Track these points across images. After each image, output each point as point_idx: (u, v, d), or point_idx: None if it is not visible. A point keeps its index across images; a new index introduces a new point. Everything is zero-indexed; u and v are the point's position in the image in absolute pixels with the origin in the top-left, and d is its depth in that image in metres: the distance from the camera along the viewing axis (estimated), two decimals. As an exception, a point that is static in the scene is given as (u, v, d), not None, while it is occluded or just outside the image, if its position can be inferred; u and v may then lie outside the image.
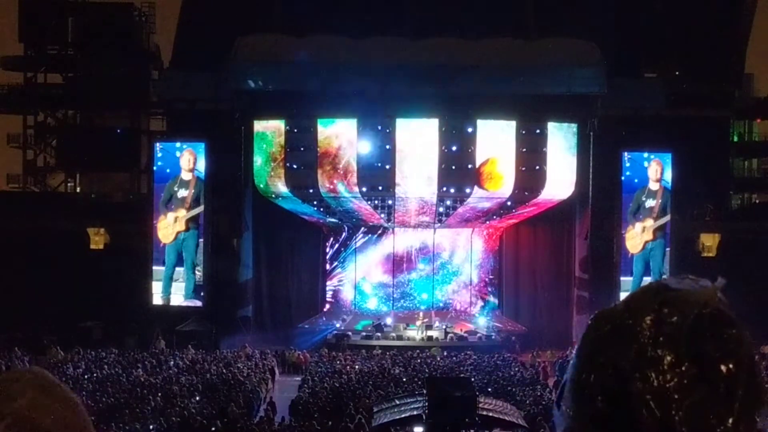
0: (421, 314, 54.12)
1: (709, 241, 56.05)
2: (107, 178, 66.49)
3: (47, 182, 66.97)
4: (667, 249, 53.27)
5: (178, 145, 53.70)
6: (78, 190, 66.67)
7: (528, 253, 57.78)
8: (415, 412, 28.17)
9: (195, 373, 40.42)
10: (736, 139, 63.91)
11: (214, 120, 52.81)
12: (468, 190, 53.56)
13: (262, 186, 54.63)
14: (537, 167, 53.58)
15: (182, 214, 53.03)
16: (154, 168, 54.39)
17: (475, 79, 52.12)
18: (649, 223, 53.21)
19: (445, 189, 53.57)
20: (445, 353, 48.23)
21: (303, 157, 53.51)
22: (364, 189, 53.50)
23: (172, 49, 61.12)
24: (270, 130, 54.28)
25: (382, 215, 55.34)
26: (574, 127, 54.12)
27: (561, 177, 53.75)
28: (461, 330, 53.68)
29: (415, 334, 52.57)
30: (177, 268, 53.03)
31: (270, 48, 53.31)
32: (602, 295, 47.82)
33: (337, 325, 54.08)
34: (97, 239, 55.81)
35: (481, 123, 53.14)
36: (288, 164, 53.71)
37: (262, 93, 53.51)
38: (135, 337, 50.71)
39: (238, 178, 53.97)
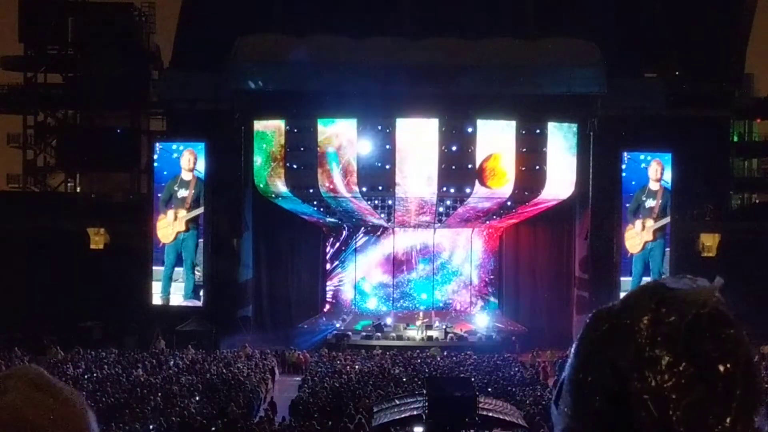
0: (421, 314, 54.12)
1: (709, 241, 56.05)
2: (107, 178, 66.50)
3: (47, 182, 66.97)
4: (667, 249, 53.27)
5: (174, 147, 53.66)
6: (78, 190, 66.68)
7: (528, 253, 57.79)
8: (415, 412, 28.17)
9: (195, 373, 40.42)
10: (736, 139, 63.92)
11: (214, 120, 52.81)
12: (468, 190, 53.54)
13: (262, 186, 54.62)
14: (537, 167, 53.58)
15: (182, 214, 53.03)
16: (154, 168, 54.39)
17: (475, 79, 52.11)
18: (649, 223, 53.21)
19: (445, 189, 53.57)
20: (445, 353, 48.22)
21: (303, 157, 53.51)
22: (364, 189, 53.50)
23: (172, 49, 61.12)
24: (270, 129, 54.27)
25: (382, 215, 55.33)
26: (574, 127, 54.12)
27: (561, 177, 53.74)
28: (461, 330, 53.68)
29: (415, 334, 52.56)
30: (176, 268, 53.02)
31: (270, 48, 53.30)
32: (602, 295, 47.80)
33: (337, 325, 54.08)
34: (97, 239, 55.80)
35: (481, 123, 53.13)
36: (288, 164, 53.71)
37: (262, 93, 53.49)
38: (135, 337, 50.71)
39: (238, 178, 53.95)
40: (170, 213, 52.95)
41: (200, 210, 53.21)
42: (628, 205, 53.37)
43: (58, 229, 54.25)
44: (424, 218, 55.57)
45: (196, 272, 53.14)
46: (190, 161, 53.07)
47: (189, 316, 52.08)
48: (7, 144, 66.66)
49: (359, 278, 57.47)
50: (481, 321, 55.32)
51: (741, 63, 63.13)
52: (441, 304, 56.92)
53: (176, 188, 53.05)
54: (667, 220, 53.38)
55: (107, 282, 51.62)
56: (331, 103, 52.31)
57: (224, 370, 41.04)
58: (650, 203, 53.37)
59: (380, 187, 53.75)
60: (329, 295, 57.73)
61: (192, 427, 29.93)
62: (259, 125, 54.23)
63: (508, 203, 54.56)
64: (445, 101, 52.19)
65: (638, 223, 53.30)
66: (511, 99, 52.01)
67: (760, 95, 65.71)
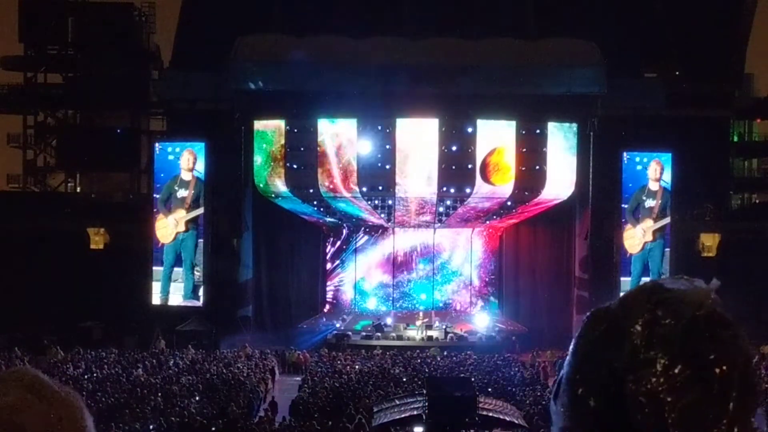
0: (421, 314, 54.11)
1: (709, 241, 56.05)
2: (107, 178, 66.51)
3: (47, 182, 66.97)
4: (667, 249, 53.26)
5: (172, 149, 53.63)
6: (78, 190, 66.69)
7: (528, 253, 57.78)
8: (415, 412, 28.16)
9: (195, 373, 40.41)
10: (736, 139, 63.94)
11: (214, 120, 52.80)
12: (468, 190, 53.55)
13: (262, 186, 54.62)
14: (537, 167, 53.59)
15: (182, 214, 53.02)
16: (154, 168, 54.39)
17: (475, 79, 52.09)
18: (649, 224, 53.19)
19: (445, 189, 53.58)
20: (445, 353, 48.22)
21: (303, 157, 53.52)
22: (364, 189, 53.51)
23: (172, 49, 61.11)
24: (270, 129, 54.28)
25: (382, 215, 55.34)
26: (574, 127, 54.12)
27: (561, 177, 53.75)
28: (461, 330, 53.67)
29: (415, 334, 52.55)
30: (176, 269, 53.02)
31: (270, 48, 53.30)
32: (602, 295, 47.76)
33: (337, 325, 54.07)
34: (97, 239, 55.80)
35: (481, 123, 53.14)
36: (288, 164, 53.72)
37: (262, 93, 53.48)
38: (135, 337, 50.71)
39: (238, 178, 53.94)
40: (171, 215, 52.93)
41: (200, 210, 53.20)
42: (625, 206, 53.33)
43: (58, 229, 54.25)
44: (424, 218, 55.57)
45: (195, 272, 53.14)
46: (190, 161, 53.06)
47: (189, 316, 52.08)
48: (7, 144, 66.68)
49: (359, 278, 57.47)
50: (481, 321, 55.30)
51: (741, 63, 63.13)
52: (441, 304, 56.91)
53: (176, 188, 53.04)
54: (667, 220, 53.37)
55: (107, 282, 51.63)
56: (331, 103, 52.31)
57: (224, 370, 41.03)
58: (650, 203, 53.36)
59: (380, 187, 53.76)
60: (329, 295, 57.72)
61: (192, 427, 29.93)
62: (259, 125, 54.23)
63: (508, 203, 54.56)
64: (445, 101, 52.19)
65: (639, 224, 53.27)
66: (511, 99, 52.00)
67: (760, 95, 65.75)
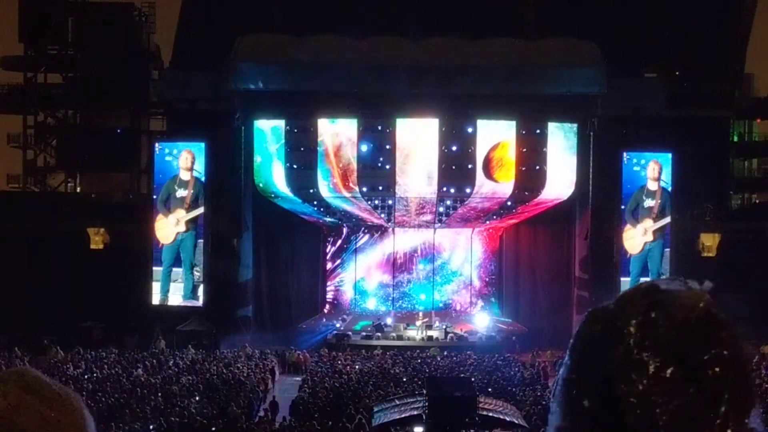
0: (421, 314, 54.11)
1: (709, 241, 56.04)
2: (107, 178, 66.48)
3: (47, 182, 66.96)
4: (666, 249, 53.24)
5: (170, 149, 53.63)
6: (78, 190, 66.68)
7: (528, 253, 57.79)
8: (415, 412, 28.17)
9: (195, 373, 40.41)
10: (736, 139, 63.95)
11: (214, 120, 52.80)
12: (468, 190, 53.58)
13: (262, 186, 54.64)
14: (537, 167, 53.61)
15: (182, 214, 53.02)
16: (154, 168, 54.39)
17: (475, 79, 52.11)
18: (649, 224, 53.17)
19: (445, 189, 53.59)
20: (445, 353, 48.22)
21: (303, 157, 53.53)
22: (364, 189, 53.52)
23: (172, 49, 61.13)
24: (270, 129, 54.28)
25: (382, 215, 55.35)
26: (574, 127, 54.14)
27: (561, 177, 53.76)
28: (461, 330, 53.67)
29: (415, 334, 52.54)
30: (175, 269, 53.02)
31: (270, 48, 53.31)
32: (602, 295, 47.51)
33: (337, 325, 54.06)
34: (97, 239, 55.80)
35: (481, 123, 53.17)
36: (288, 164, 53.73)
37: (262, 93, 53.48)
38: (135, 337, 50.69)
39: (238, 178, 53.95)
40: (171, 215, 52.93)
41: (200, 210, 53.19)
42: (624, 206, 53.29)
43: (58, 229, 54.24)
44: (425, 218, 55.57)
45: (195, 272, 53.15)
46: (188, 160, 53.06)
47: (189, 316, 52.07)
48: (7, 144, 66.67)
49: (359, 278, 57.47)
50: (481, 321, 55.29)
51: (741, 63, 63.14)
52: (441, 305, 56.91)
53: (175, 188, 53.03)
54: (666, 220, 53.34)
55: (107, 282, 51.63)
56: (331, 103, 52.32)
57: (224, 370, 41.04)
58: (649, 203, 53.34)
59: (380, 187, 53.78)
60: (329, 295, 57.73)
61: (192, 427, 29.94)
62: (259, 125, 54.24)
63: (509, 203, 54.57)
64: (445, 101, 52.20)
65: (639, 224, 53.24)
66: (511, 99, 52.00)
67: (760, 95, 65.73)
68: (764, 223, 56.48)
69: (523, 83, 52.36)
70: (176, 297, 53.13)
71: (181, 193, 53.08)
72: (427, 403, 27.78)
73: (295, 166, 53.70)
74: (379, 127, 53.35)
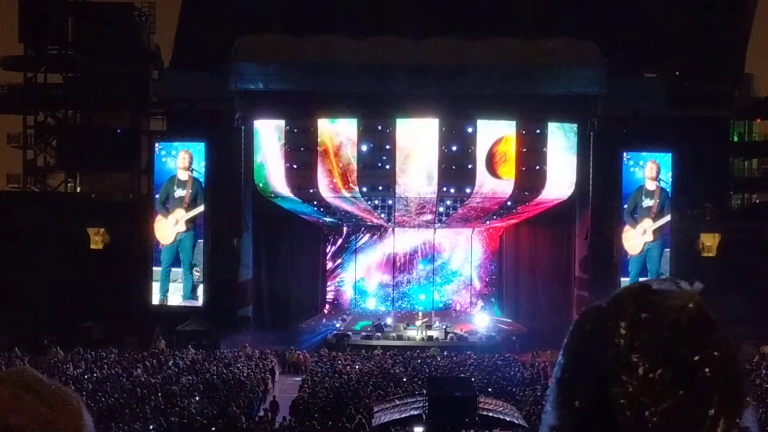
0: (420, 314, 54.11)
1: (709, 241, 56.04)
2: (107, 178, 66.44)
3: (47, 182, 66.94)
4: (666, 250, 53.22)
5: (168, 150, 53.61)
6: (78, 190, 66.66)
7: (528, 253, 57.80)
8: (415, 412, 28.18)
9: (195, 373, 40.41)
10: (736, 139, 63.93)
11: (214, 120, 52.79)
12: (468, 190, 53.60)
13: (261, 186, 54.65)
14: (537, 167, 53.63)
15: (181, 214, 53.01)
16: (154, 168, 54.38)
17: (475, 79, 52.12)
18: (648, 224, 53.14)
19: (445, 189, 53.61)
20: (445, 353, 48.22)
21: (303, 157, 53.54)
22: (364, 189, 53.52)
23: (172, 49, 61.12)
24: (270, 129, 54.29)
25: (382, 215, 55.36)
26: (574, 127, 54.16)
27: (561, 177, 53.78)
28: (461, 330, 53.67)
29: (415, 334, 52.54)
30: (174, 269, 53.01)
31: (270, 48, 53.31)
32: (602, 295, 46.47)
33: (337, 325, 54.07)
34: (97, 239, 55.82)
35: (481, 123, 53.19)
36: (288, 164, 53.74)
37: (262, 93, 53.48)
38: (135, 337, 50.68)
39: (238, 178, 53.94)
40: (171, 216, 52.90)
41: (199, 209, 53.17)
42: (624, 206, 53.29)
43: (58, 229, 54.25)
44: (425, 218, 55.58)
45: (195, 272, 53.14)
46: (185, 160, 53.04)
47: (189, 316, 52.07)
48: (7, 144, 66.64)
49: (359, 278, 57.48)
50: (481, 321, 55.30)
51: (741, 63, 63.12)
52: (441, 305, 56.92)
53: (174, 188, 53.02)
54: (666, 219, 53.31)
55: (107, 282, 51.61)
56: (331, 103, 52.33)
57: (224, 370, 41.04)
58: (647, 203, 53.31)
59: (380, 187, 53.79)
60: (329, 295, 57.74)
61: (192, 427, 29.94)
62: (259, 125, 54.24)
63: (508, 203, 54.57)
64: (445, 101, 52.22)
65: (638, 225, 53.19)
66: (511, 99, 52.02)
67: (760, 95, 65.73)
68: (764, 223, 56.48)
69: (523, 83, 52.36)
70: (176, 297, 53.13)
71: (179, 192, 53.07)
72: (427, 403, 27.79)
73: (295, 166, 53.71)
74: (379, 127, 53.36)
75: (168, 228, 52.92)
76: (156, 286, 52.86)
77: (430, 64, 51.87)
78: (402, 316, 55.18)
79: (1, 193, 62.91)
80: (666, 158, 53.51)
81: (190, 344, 48.01)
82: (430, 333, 52.49)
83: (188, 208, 53.02)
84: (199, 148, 53.15)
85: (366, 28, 52.82)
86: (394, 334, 52.63)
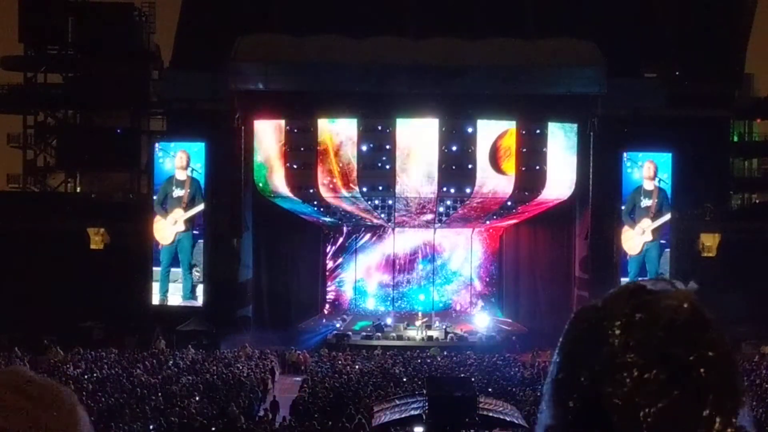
0: (420, 314, 54.11)
1: (709, 241, 56.04)
2: (107, 178, 66.43)
3: (47, 182, 66.93)
4: (666, 250, 53.21)
5: (165, 151, 53.62)
6: (78, 190, 66.65)
7: (528, 253, 57.80)
8: (415, 412, 28.18)
9: (195, 373, 40.41)
10: (736, 139, 63.95)
11: (214, 120, 52.80)
12: (468, 190, 53.62)
13: (261, 186, 54.66)
14: (537, 167, 53.63)
15: (180, 214, 53.02)
16: (154, 168, 54.40)
17: (475, 79, 52.13)
18: (647, 223, 53.12)
19: (445, 189, 53.61)
20: (445, 353, 48.22)
21: (303, 157, 53.55)
22: (364, 189, 53.53)
23: (172, 49, 61.12)
24: (270, 129, 54.29)
25: (382, 215, 55.36)
26: (574, 127, 54.17)
27: (561, 177, 53.78)
28: (461, 330, 53.67)
29: (415, 334, 52.56)
30: (173, 269, 53.01)
31: (270, 48, 53.31)
32: (602, 295, 47.69)
33: (337, 325, 54.07)
34: (97, 239, 55.82)
35: (481, 123, 53.21)
36: (288, 164, 53.75)
37: (262, 93, 53.49)
38: (135, 337, 50.69)
39: (237, 178, 53.95)
40: (170, 216, 52.91)
41: (198, 208, 53.16)
42: (623, 207, 53.26)
43: (58, 229, 54.25)
44: (425, 218, 55.59)
45: (194, 272, 53.15)
46: (183, 159, 53.07)
47: (189, 316, 52.09)
48: (7, 144, 66.64)
49: (359, 278, 57.49)
50: (481, 321, 55.30)
51: (741, 63, 63.12)
52: (441, 305, 56.92)
53: (172, 188, 53.04)
54: (665, 218, 53.30)
55: (107, 282, 51.62)
56: (331, 103, 52.33)
57: (224, 370, 41.03)
58: (646, 203, 53.31)
59: (380, 187, 53.80)
60: (329, 295, 57.75)
61: (192, 427, 29.94)
62: (259, 125, 54.25)
63: (508, 203, 54.58)
64: (445, 101, 52.24)
65: (637, 225, 53.18)
66: (511, 99, 52.04)
67: (760, 95, 65.73)
68: (764, 223, 56.47)
69: (523, 83, 52.37)
70: (176, 297, 53.15)
71: (177, 192, 53.09)
72: (427, 403, 27.80)
73: (295, 166, 53.71)
74: (379, 127, 53.37)
75: (167, 228, 52.94)
76: (156, 286, 52.88)
77: (430, 64, 51.87)
78: (402, 316, 55.18)
79: (1, 193, 62.92)
80: (666, 158, 53.50)
81: (190, 344, 48.00)
82: (430, 333, 52.50)
83: (187, 208, 53.03)
84: (199, 148, 53.17)
85: (366, 28, 52.83)
86: (394, 334, 52.64)
